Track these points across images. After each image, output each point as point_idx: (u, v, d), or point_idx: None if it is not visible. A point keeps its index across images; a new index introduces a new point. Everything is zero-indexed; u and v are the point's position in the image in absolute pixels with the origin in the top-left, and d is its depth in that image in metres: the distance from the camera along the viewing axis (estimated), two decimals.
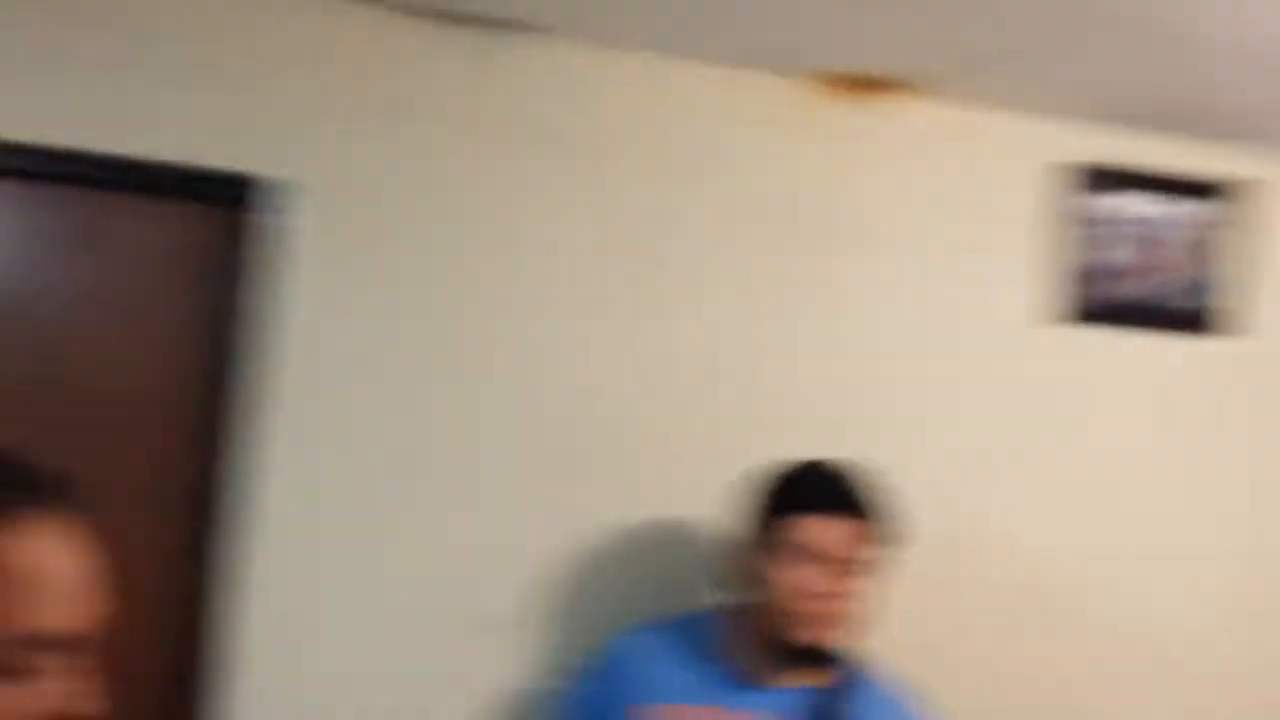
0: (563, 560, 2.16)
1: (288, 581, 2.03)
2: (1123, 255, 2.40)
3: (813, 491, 1.90)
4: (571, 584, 2.17)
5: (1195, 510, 2.47)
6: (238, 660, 2.01)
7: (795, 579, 1.86)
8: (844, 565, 1.86)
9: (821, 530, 1.86)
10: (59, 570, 0.88)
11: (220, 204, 2.05)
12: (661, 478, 2.21)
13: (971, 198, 2.36)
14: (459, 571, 2.12)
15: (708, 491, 2.13)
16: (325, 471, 2.06)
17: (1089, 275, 2.38)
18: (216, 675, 2.01)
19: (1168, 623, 2.44)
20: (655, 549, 2.20)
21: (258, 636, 2.01)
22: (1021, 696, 2.36)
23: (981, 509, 2.35)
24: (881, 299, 2.32)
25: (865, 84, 2.27)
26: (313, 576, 2.06)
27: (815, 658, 1.88)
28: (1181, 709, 2.44)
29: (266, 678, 2.02)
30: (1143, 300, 2.41)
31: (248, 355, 2.03)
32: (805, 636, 1.86)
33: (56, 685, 0.87)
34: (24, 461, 0.91)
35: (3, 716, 0.85)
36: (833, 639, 1.87)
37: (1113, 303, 2.40)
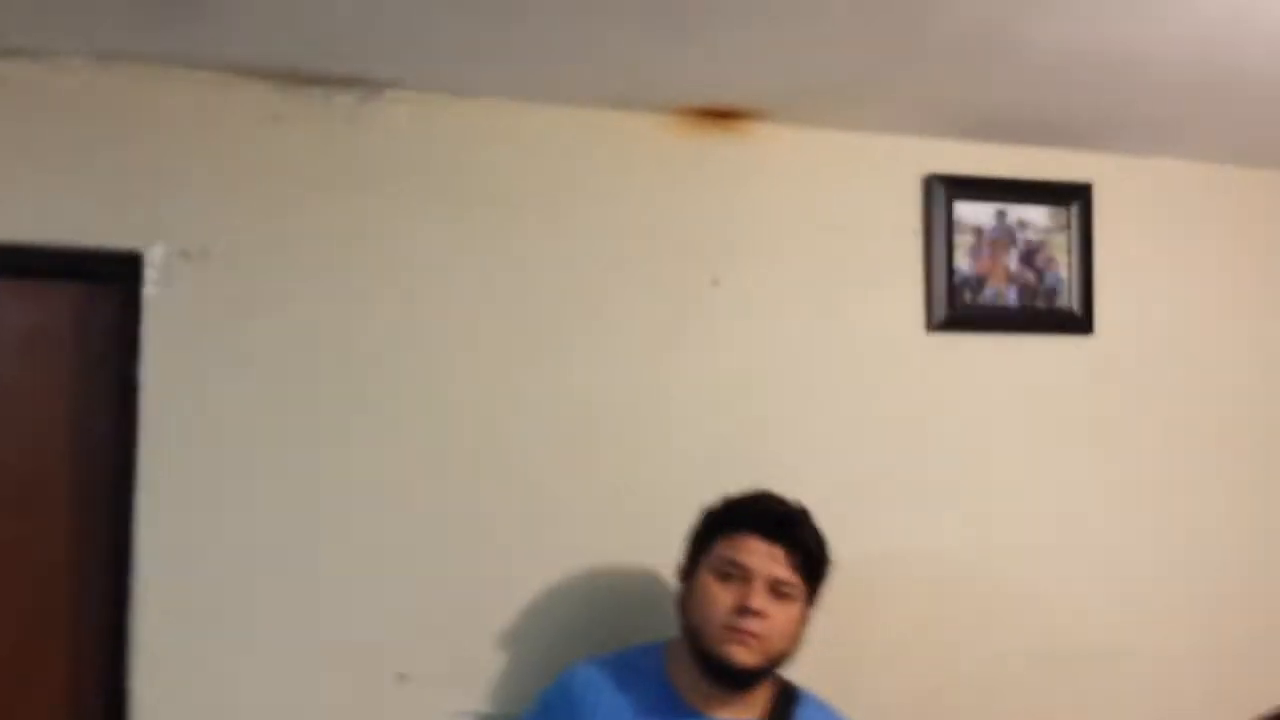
0: (476, 615, 2.17)
1: (180, 654, 2.02)
2: (984, 261, 2.50)
3: (740, 513, 1.95)
4: (490, 636, 2.18)
5: (1078, 503, 2.55)
6: None
7: (717, 593, 1.90)
8: (766, 583, 1.89)
9: (746, 548, 1.90)
10: None
11: (90, 280, 2.06)
12: (567, 520, 2.23)
13: (839, 215, 2.41)
14: (369, 623, 2.11)
15: (591, 536, 2.20)
16: (212, 539, 2.05)
17: (957, 282, 2.47)
18: None
19: (1072, 616, 2.50)
20: (573, 596, 2.22)
21: (149, 708, 1.99)
22: (935, 701, 2.40)
23: (884, 519, 2.39)
24: (766, 320, 2.37)
25: (727, 115, 2.33)
26: (207, 646, 2.04)
27: (735, 676, 1.89)
28: (1100, 702, 2.51)
29: None
30: (1007, 304, 2.51)
31: (129, 426, 2.02)
32: (724, 653, 1.87)
33: None
34: None
35: None
36: (751, 658, 1.88)
37: (979, 307, 2.49)
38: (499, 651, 2.18)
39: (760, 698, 1.96)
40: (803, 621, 1.95)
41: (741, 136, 2.36)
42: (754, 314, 2.36)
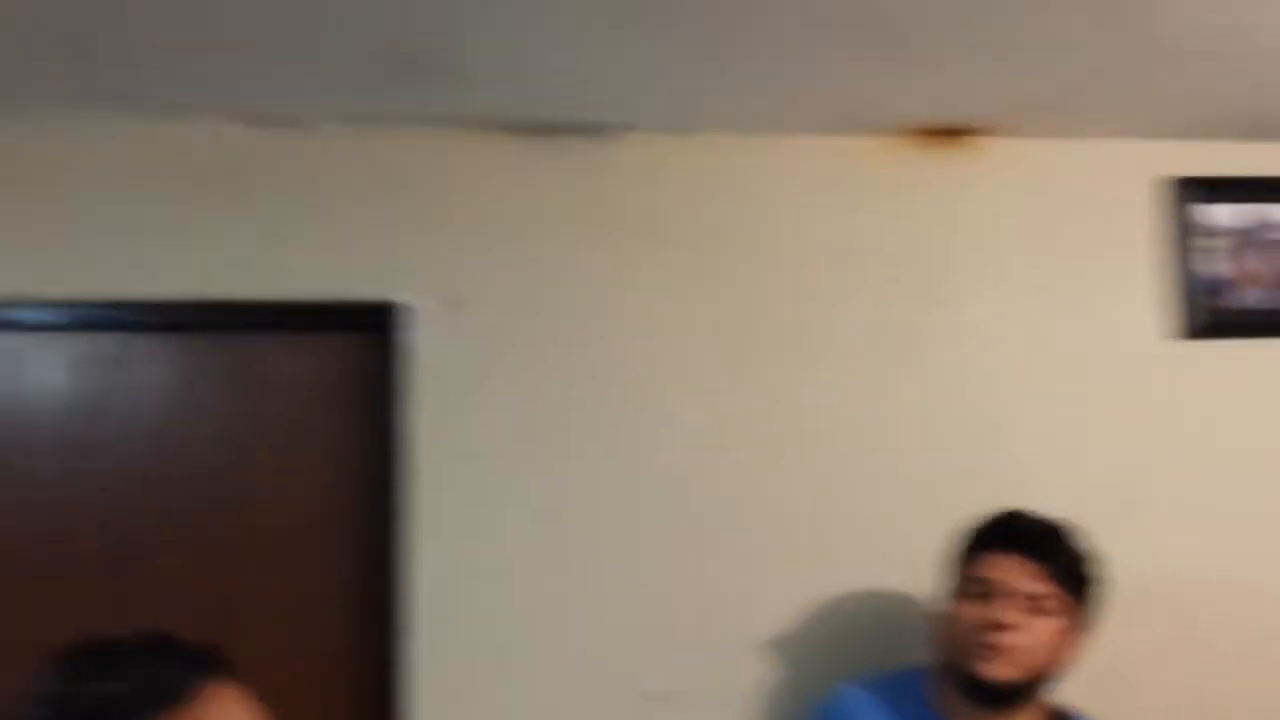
0: (729, 635, 2.23)
1: (454, 676, 2.15)
2: (1231, 264, 2.42)
3: (995, 531, 1.95)
4: (742, 655, 2.23)
5: None
6: None
7: (972, 613, 1.90)
8: (1021, 600, 1.88)
9: (993, 565, 1.91)
10: None
11: (356, 330, 2.22)
12: (812, 543, 2.26)
13: (1070, 225, 2.38)
14: (622, 644, 2.20)
15: (836, 558, 2.23)
16: (475, 568, 2.18)
17: (1201, 287, 2.40)
18: None
19: None
20: (822, 618, 2.26)
21: None
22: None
23: (1134, 536, 2.30)
24: (1009, 334, 2.35)
25: (952, 132, 2.33)
26: (483, 666, 2.17)
27: (993, 693, 1.89)
28: None
29: None
30: (1258, 307, 2.42)
31: (397, 468, 2.17)
32: (978, 670, 1.87)
33: None
34: (186, 641, 1.05)
35: None
36: (1004, 671, 1.87)
37: (1226, 311, 2.41)
38: (751, 671, 2.23)
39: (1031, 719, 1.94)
40: (1066, 637, 1.92)
41: (966, 152, 2.36)
42: (983, 331, 2.35)
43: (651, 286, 2.27)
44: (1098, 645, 2.11)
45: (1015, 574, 1.89)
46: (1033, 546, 1.91)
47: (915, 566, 2.10)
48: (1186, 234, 2.40)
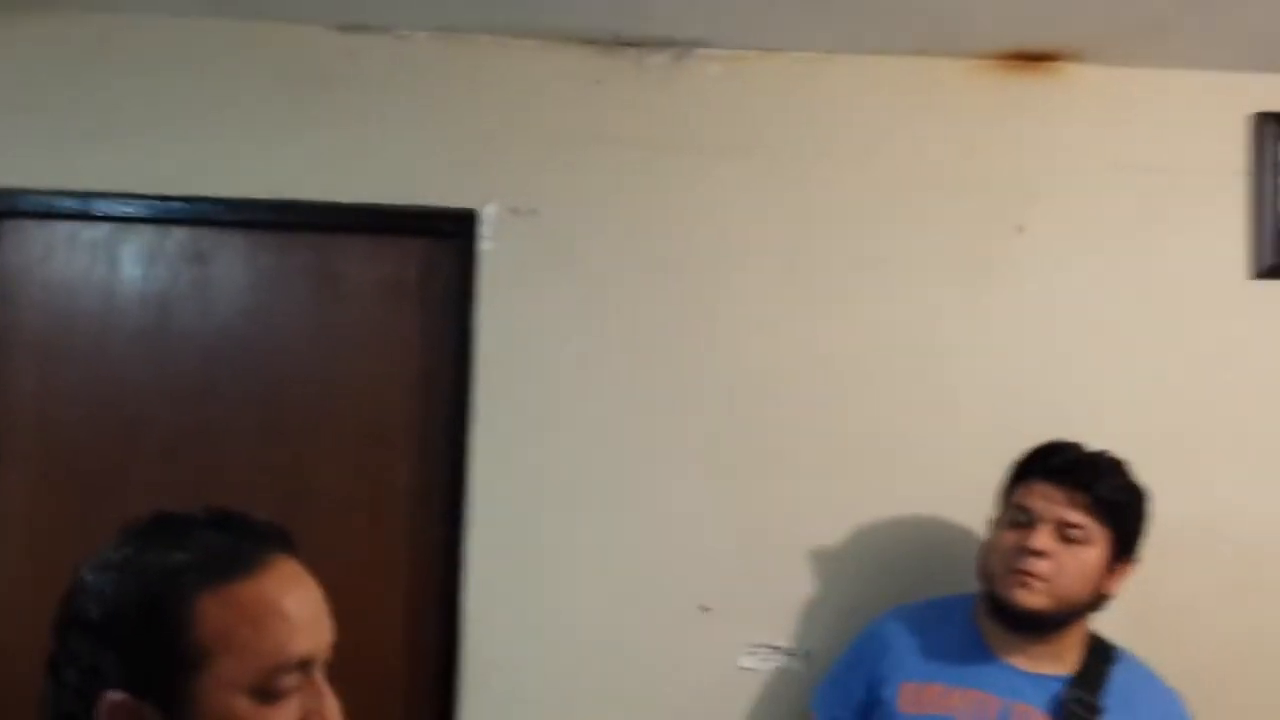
0: (777, 554, 2.26)
1: (508, 576, 2.21)
2: None
3: (1038, 460, 1.96)
4: (789, 575, 2.26)
5: None
6: (463, 654, 2.19)
7: (1005, 538, 1.93)
8: (1051, 525, 1.89)
9: (1033, 493, 1.92)
10: (300, 603, 1.05)
11: (433, 236, 2.26)
12: (868, 468, 2.27)
13: (1155, 156, 2.33)
14: (676, 556, 2.24)
15: (890, 485, 2.24)
16: (536, 471, 2.23)
17: None
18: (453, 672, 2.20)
19: None
20: (871, 543, 2.27)
21: (482, 627, 2.20)
22: (1241, 672, 2.30)
23: (1195, 475, 2.30)
24: (1086, 266, 2.32)
25: (1038, 57, 2.29)
26: (534, 569, 2.22)
27: (1023, 619, 1.90)
28: None
29: (490, 669, 2.19)
30: None
31: (468, 371, 2.22)
32: (1009, 596, 1.89)
33: (302, 703, 1.04)
34: (252, 518, 1.08)
35: None
36: (1035, 600, 1.88)
37: None
38: (796, 590, 2.26)
39: (1072, 651, 1.94)
40: (1103, 568, 1.91)
41: (1052, 78, 2.32)
42: (1056, 261, 2.32)
43: (723, 204, 2.27)
44: (1154, 585, 2.12)
45: (1052, 502, 1.90)
46: (1072, 476, 1.91)
47: (973, 495, 2.10)
48: (1275, 172, 2.34)
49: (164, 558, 1.02)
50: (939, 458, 2.27)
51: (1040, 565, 1.88)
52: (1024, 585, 1.88)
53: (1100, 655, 1.96)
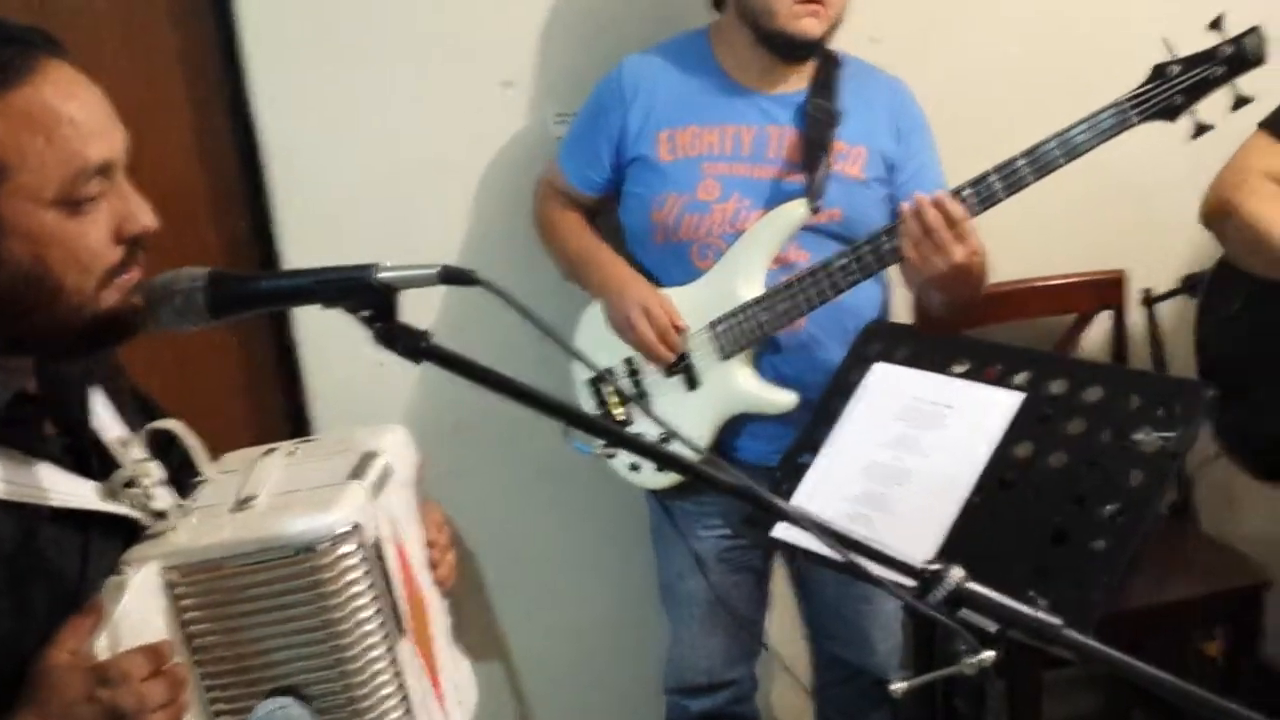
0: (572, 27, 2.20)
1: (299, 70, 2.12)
2: None
3: None
4: (583, 49, 2.20)
5: None
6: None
7: None
8: None
9: None
10: (86, 107, 0.99)
11: None
12: None
13: None
14: (476, 40, 2.18)
15: None
16: None
17: None
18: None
19: None
20: None
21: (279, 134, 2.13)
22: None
23: None
24: None
25: None
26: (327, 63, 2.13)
27: (806, 48, 1.93)
28: None
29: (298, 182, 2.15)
30: None
31: None
32: (796, 26, 1.89)
33: (111, 208, 1.01)
34: (8, 21, 1.00)
35: (79, 246, 0.99)
36: (821, 28, 1.90)
37: None
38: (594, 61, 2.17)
39: (806, 66, 1.99)
40: None
41: None
42: None
43: None
44: None
45: None
46: None
47: None
48: None
49: None
50: None
51: None
52: (815, 15, 1.88)
53: (828, 63, 2.00)
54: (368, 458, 1.17)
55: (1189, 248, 2.35)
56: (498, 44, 2.19)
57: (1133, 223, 2.45)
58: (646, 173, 2.00)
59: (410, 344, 0.99)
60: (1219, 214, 1.97)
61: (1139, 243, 2.44)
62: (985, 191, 1.76)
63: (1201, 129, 1.73)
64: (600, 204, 2.11)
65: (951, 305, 1.92)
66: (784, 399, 1.95)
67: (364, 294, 0.99)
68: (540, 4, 2.20)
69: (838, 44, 1.99)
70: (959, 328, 2.19)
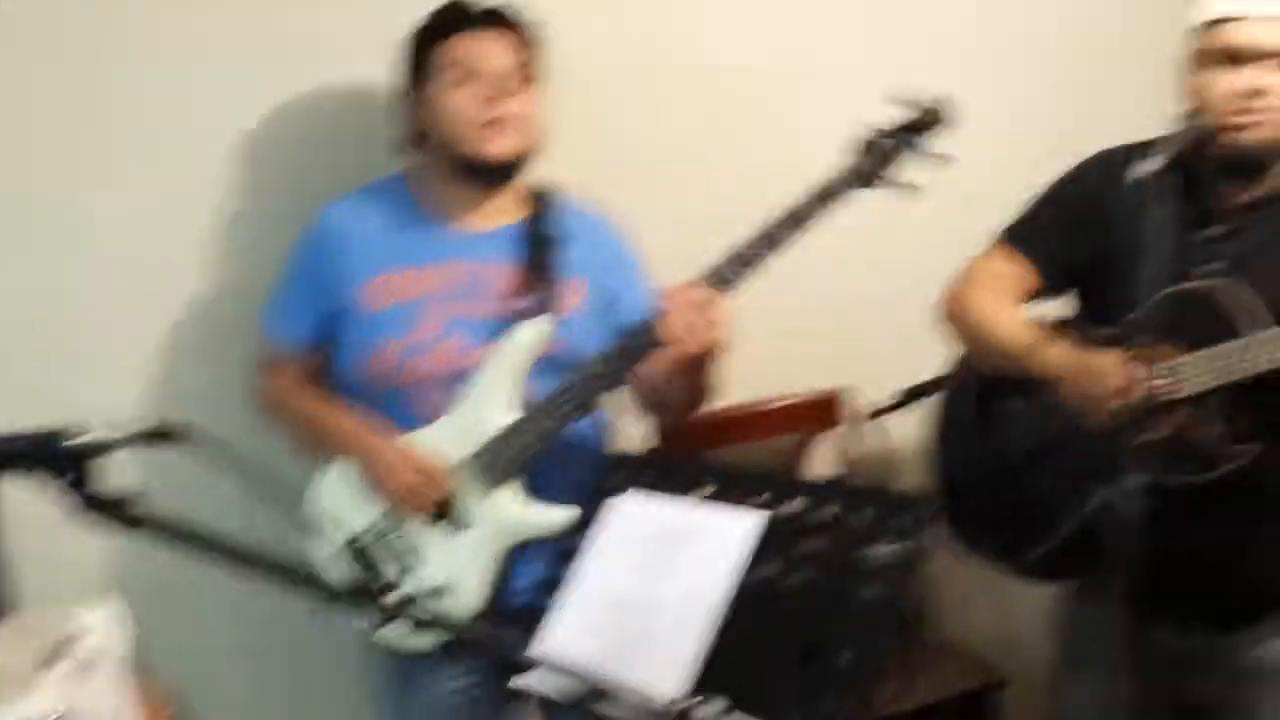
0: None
1: None
2: None
3: (452, 13, 1.92)
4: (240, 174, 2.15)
5: None
6: None
7: (459, 100, 1.88)
8: (504, 78, 1.88)
9: (471, 46, 1.89)
10: None
11: None
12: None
13: None
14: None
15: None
16: None
17: None
18: None
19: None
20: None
21: None
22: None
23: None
24: None
25: None
26: None
27: (498, 171, 1.91)
28: None
29: None
30: None
31: None
32: (483, 151, 1.88)
33: None
34: None
35: None
36: (511, 146, 1.89)
37: None
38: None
39: (513, 202, 1.98)
40: (542, 95, 1.94)
41: None
42: None
43: None
44: None
45: (488, 53, 1.88)
46: (495, 19, 1.90)
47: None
48: None
49: None
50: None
51: (516, 116, 1.87)
52: (501, 134, 1.87)
53: (543, 199, 2.00)
54: (67, 642, 1.06)
55: (913, 360, 2.46)
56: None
57: (852, 340, 2.55)
58: (360, 321, 1.93)
59: (118, 513, 0.90)
60: (950, 313, 2.00)
61: (859, 358, 2.53)
62: (718, 278, 1.79)
63: (907, 187, 1.82)
64: (320, 360, 2.01)
65: (693, 393, 1.93)
66: (560, 516, 1.84)
67: (59, 461, 0.90)
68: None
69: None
70: (691, 432, 2.19)
